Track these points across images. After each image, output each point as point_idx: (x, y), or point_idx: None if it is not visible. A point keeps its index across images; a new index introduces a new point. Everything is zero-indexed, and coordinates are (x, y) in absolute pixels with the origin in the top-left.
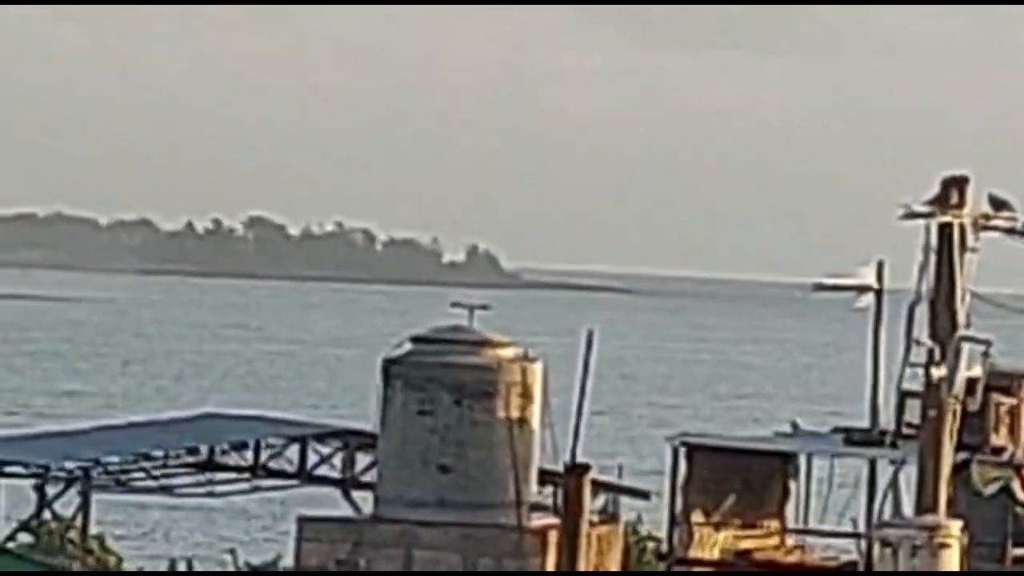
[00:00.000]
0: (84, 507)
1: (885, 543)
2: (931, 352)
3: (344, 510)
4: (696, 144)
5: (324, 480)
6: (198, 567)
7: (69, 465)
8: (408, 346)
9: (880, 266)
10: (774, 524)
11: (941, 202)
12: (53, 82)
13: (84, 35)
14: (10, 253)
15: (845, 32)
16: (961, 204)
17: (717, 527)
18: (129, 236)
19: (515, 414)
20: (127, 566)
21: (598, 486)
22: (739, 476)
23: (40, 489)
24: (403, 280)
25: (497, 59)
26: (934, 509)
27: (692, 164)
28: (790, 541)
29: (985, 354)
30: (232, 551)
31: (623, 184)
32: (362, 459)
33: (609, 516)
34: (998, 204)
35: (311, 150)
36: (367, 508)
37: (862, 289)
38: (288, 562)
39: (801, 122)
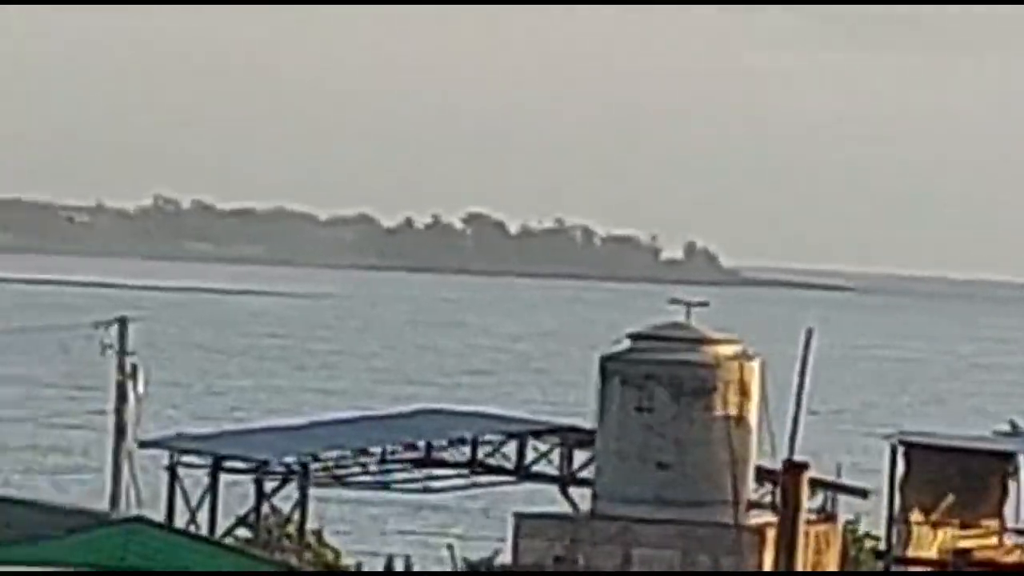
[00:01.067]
0: (302, 502)
1: None
2: None
3: (562, 507)
4: (918, 143)
5: (542, 477)
6: (416, 564)
7: (287, 460)
8: (626, 343)
9: None
10: (993, 523)
11: None
12: (272, 79)
13: (307, 31)
14: (231, 248)
15: None
16: None
17: (935, 526)
18: (348, 232)
19: (733, 411)
20: (344, 562)
21: (816, 484)
22: (958, 475)
23: (258, 484)
24: (621, 277)
25: (707, 58)
26: None
27: (912, 162)
28: (1009, 541)
29: None
30: (450, 547)
31: (840, 182)
32: (580, 456)
33: (827, 514)
34: None
35: (531, 147)
36: (584, 505)
37: None
38: (506, 559)
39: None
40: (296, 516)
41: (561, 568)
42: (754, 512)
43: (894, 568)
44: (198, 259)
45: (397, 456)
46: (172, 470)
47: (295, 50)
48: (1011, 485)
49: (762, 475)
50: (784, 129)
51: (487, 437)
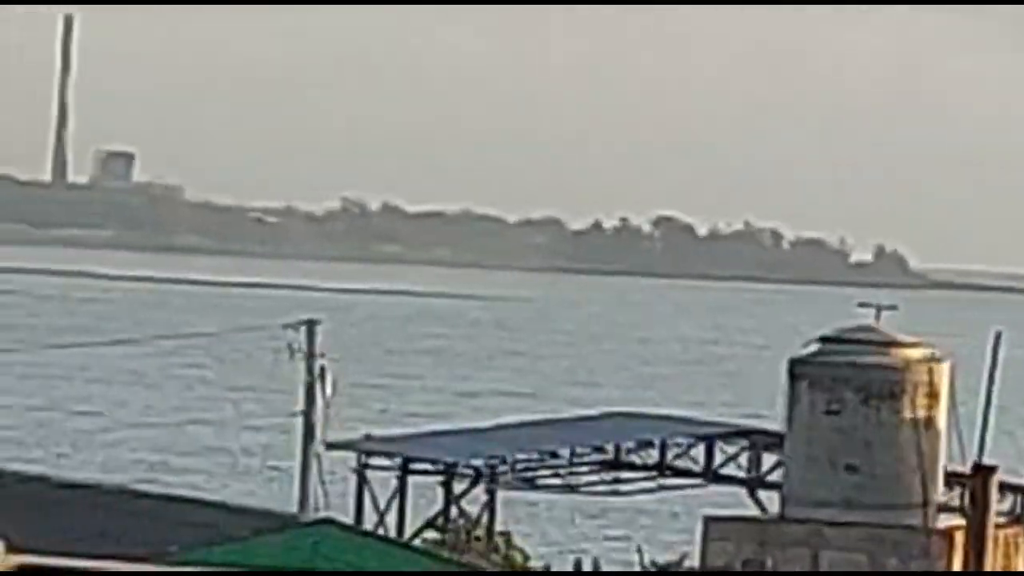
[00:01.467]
0: (490, 504)
1: None
2: None
3: (750, 510)
4: None
5: (730, 479)
6: (604, 566)
7: (475, 463)
8: (815, 346)
9: None
10: None
11: None
12: (461, 82)
13: (483, 36)
14: (419, 251)
15: None
16: None
17: None
18: (536, 234)
19: (922, 414)
20: (533, 564)
21: (1005, 488)
22: None
23: (447, 486)
24: (809, 280)
25: (899, 59)
26: None
27: None
28: None
29: None
30: (639, 549)
31: None
32: (768, 459)
33: (1016, 518)
34: None
35: (719, 150)
36: (773, 508)
37: None
38: (694, 562)
39: None
40: (484, 518)
41: (750, 570)
42: (943, 516)
43: None
44: (386, 261)
45: (585, 459)
46: (360, 472)
47: (486, 54)
48: None
49: (951, 478)
50: (975, 131)
51: (675, 440)
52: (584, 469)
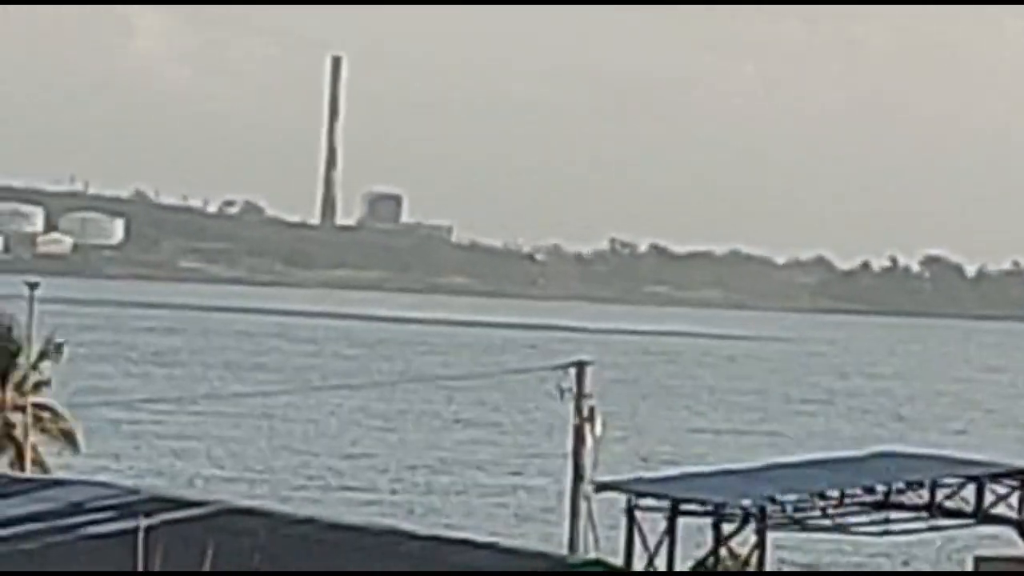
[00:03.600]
0: (760, 544)
1: None
2: None
3: (1020, 550)
4: None
5: (1001, 520)
6: None
7: (745, 503)
8: None
9: None
10: None
11: None
12: (718, 123)
13: (751, 79)
14: (688, 291)
15: None
16: None
17: None
18: (805, 274)
19: None
20: None
21: None
22: None
23: (716, 527)
24: None
25: None
26: None
27: None
28: None
29: None
30: None
31: None
32: None
33: None
34: None
35: (984, 188)
36: None
37: None
38: None
39: None
40: (754, 559)
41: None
42: None
43: None
44: (654, 302)
45: (855, 499)
46: (630, 513)
47: (751, 95)
48: None
49: None
50: None
51: (945, 480)
52: (854, 509)
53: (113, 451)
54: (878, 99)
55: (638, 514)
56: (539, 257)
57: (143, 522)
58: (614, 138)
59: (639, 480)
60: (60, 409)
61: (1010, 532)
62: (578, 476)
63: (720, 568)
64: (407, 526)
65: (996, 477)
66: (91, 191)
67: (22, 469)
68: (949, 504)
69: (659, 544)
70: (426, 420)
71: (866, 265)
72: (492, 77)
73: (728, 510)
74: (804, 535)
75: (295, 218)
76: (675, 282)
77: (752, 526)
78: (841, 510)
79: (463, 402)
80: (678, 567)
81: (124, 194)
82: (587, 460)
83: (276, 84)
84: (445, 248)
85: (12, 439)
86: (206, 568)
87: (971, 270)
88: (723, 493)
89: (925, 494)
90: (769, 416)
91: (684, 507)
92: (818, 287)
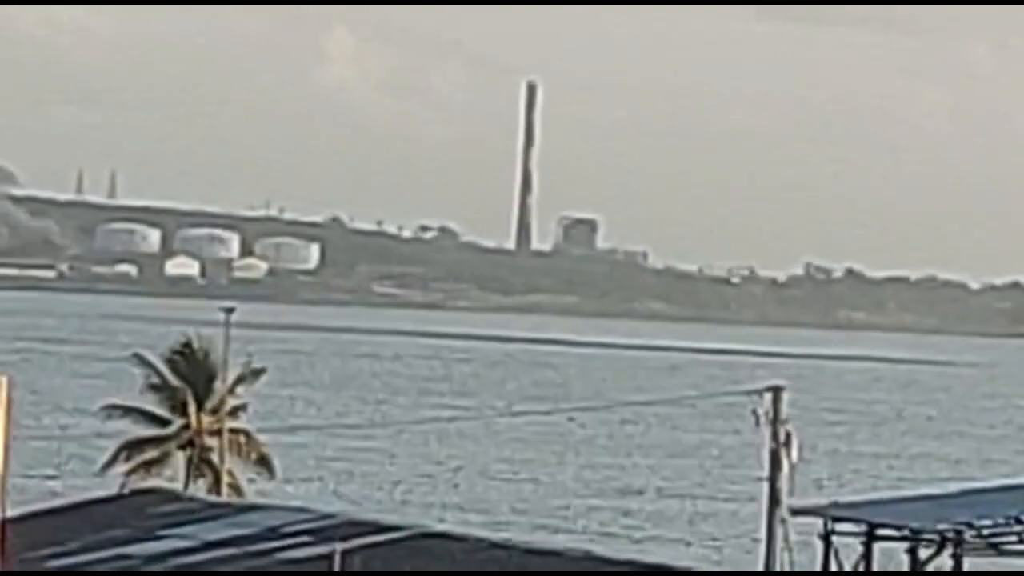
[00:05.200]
0: (956, 570)
1: None
2: None
3: None
4: None
5: None
6: None
7: (941, 527)
8: None
9: None
10: None
11: None
12: (912, 150)
13: (950, 115)
14: (882, 316)
15: None
16: None
17: None
18: (1001, 300)
19: None
20: None
21: None
22: None
23: (912, 552)
24: None
25: None
26: None
27: None
28: None
29: None
30: None
31: None
32: None
33: None
34: None
35: None
36: None
37: None
38: None
39: None
40: None
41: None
42: None
43: None
44: (848, 327)
45: None
46: (826, 538)
47: (947, 127)
48: None
49: None
50: None
51: None
52: None
53: (305, 475)
54: None
55: (834, 539)
56: (734, 280)
57: (339, 546)
58: (811, 163)
59: (835, 505)
60: (256, 434)
61: None
62: (774, 501)
63: None
64: (601, 551)
65: None
66: (286, 216)
67: (219, 494)
68: None
69: (855, 568)
70: (617, 444)
71: None
72: (689, 101)
73: (925, 535)
74: (1002, 560)
75: (490, 243)
76: (870, 307)
77: (948, 551)
78: None
79: (656, 426)
80: None
81: (319, 219)
82: (783, 485)
83: (471, 108)
84: (640, 273)
85: (209, 464)
86: None
87: None
88: (919, 518)
89: None
90: (961, 441)
91: (880, 532)
92: (1015, 312)
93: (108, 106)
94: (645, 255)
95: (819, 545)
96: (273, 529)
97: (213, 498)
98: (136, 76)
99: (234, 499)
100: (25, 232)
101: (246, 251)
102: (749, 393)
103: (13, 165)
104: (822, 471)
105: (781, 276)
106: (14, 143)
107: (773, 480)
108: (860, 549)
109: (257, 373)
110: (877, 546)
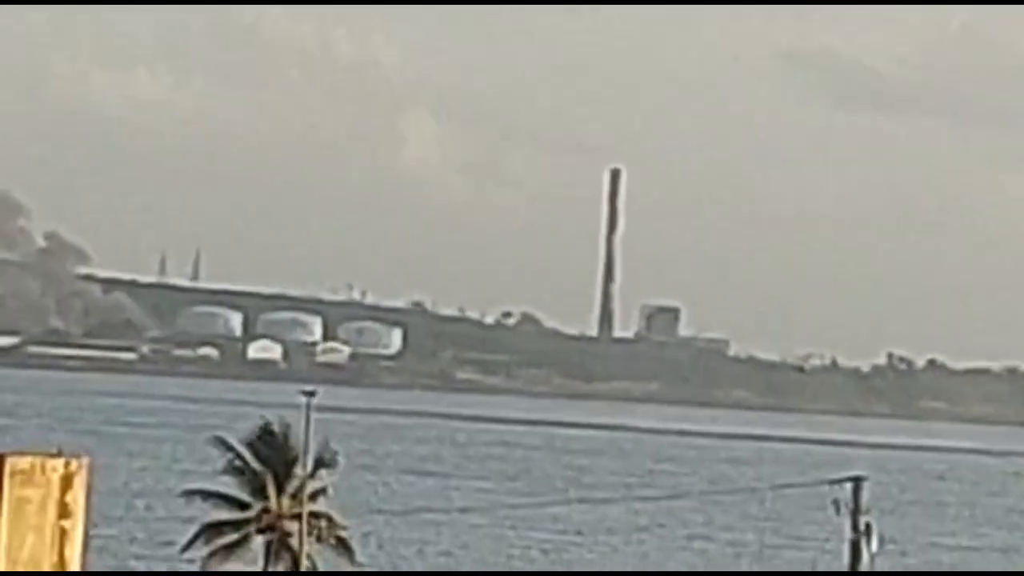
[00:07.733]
0: None
1: None
2: None
3: None
4: None
5: None
6: None
7: None
8: None
9: None
10: None
11: None
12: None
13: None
14: (963, 407)
15: None
16: None
17: None
18: None
19: None
20: None
21: None
22: None
23: None
24: None
25: None
26: None
27: None
28: None
29: None
30: None
31: None
32: None
33: None
34: None
35: None
36: None
37: None
38: None
39: None
40: None
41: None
42: None
43: None
44: (929, 418)
45: None
46: None
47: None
48: None
49: None
50: None
51: None
52: None
53: (381, 561)
54: None
55: None
56: (806, 367)
57: None
58: (894, 252)
59: None
60: (337, 517)
61: None
62: None
63: None
64: None
65: None
66: (369, 301)
67: None
68: None
69: None
70: (692, 532)
71: None
72: (772, 186)
73: None
74: None
75: (573, 330)
76: (951, 398)
77: None
78: None
79: (733, 515)
80: None
81: (401, 304)
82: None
83: (554, 194)
84: (722, 361)
85: (288, 548)
86: None
87: None
88: None
89: None
90: None
91: None
92: None
93: (187, 185)
94: (727, 343)
95: None
96: None
97: None
98: (215, 156)
99: None
100: (102, 312)
101: (329, 335)
102: (830, 483)
103: (87, 243)
104: (901, 562)
105: (864, 366)
106: (91, 222)
107: (854, 570)
108: None
109: (334, 457)
110: None
